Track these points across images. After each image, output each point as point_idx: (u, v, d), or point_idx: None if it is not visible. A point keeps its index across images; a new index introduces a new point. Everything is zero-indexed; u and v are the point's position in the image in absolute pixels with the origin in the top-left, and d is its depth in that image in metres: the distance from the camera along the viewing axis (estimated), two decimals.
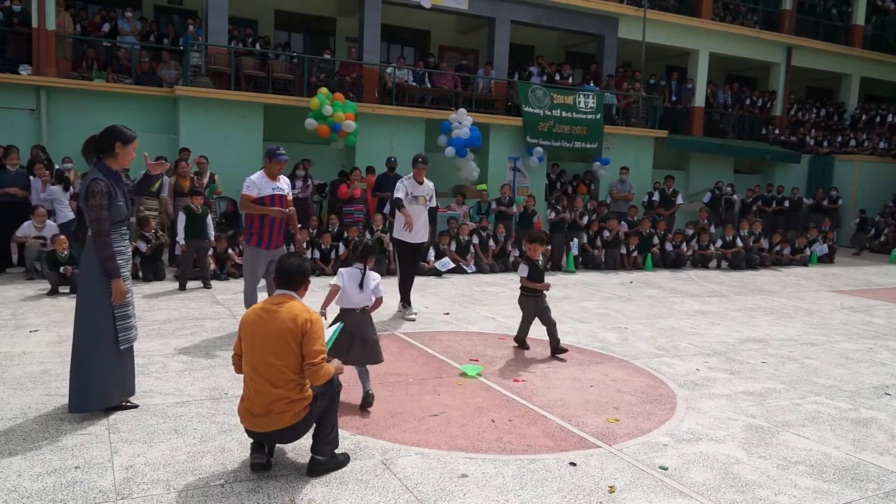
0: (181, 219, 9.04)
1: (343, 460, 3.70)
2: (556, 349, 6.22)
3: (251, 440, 3.63)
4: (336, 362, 3.70)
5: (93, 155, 4.30)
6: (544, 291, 6.34)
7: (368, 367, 4.71)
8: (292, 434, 3.55)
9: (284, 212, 6.34)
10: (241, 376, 3.61)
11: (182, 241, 8.97)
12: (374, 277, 4.74)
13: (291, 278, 3.61)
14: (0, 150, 10.17)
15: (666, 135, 17.98)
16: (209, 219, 9.25)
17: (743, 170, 20.35)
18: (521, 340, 6.53)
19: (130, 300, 4.37)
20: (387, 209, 11.50)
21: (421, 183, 7.70)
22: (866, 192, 20.01)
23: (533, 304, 6.35)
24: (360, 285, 4.66)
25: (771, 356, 6.59)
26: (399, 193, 7.66)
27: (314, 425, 3.60)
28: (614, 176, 16.11)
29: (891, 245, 17.72)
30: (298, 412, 3.47)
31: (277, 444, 3.77)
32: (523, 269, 6.34)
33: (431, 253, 11.10)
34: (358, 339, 4.60)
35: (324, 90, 13.04)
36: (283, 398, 3.43)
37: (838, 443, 4.39)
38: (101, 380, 4.20)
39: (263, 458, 3.57)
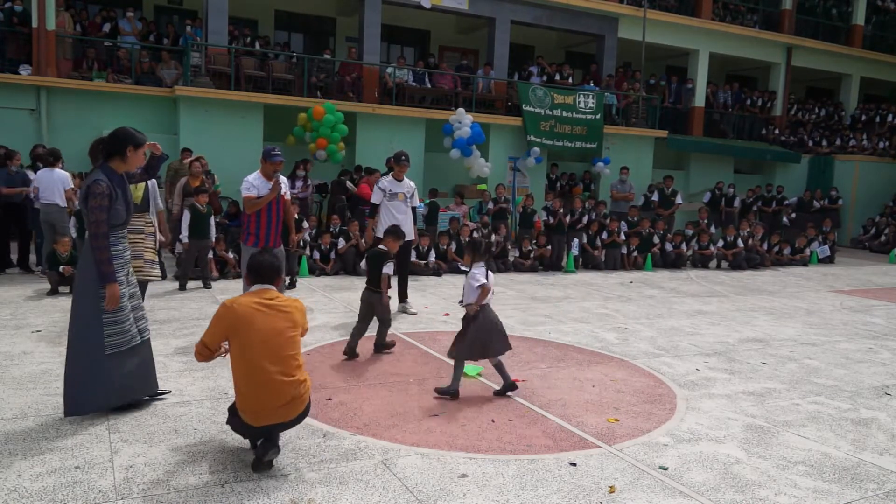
0: (186, 217, 8.99)
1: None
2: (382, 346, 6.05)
3: (253, 438, 3.69)
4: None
5: (100, 157, 4.23)
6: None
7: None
8: (303, 417, 3.71)
9: (278, 188, 6.36)
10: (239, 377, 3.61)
11: (185, 240, 8.93)
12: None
13: (266, 274, 3.73)
14: (3, 149, 10.18)
15: (666, 135, 17.99)
16: (212, 219, 9.23)
17: (743, 170, 20.36)
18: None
19: (127, 304, 4.26)
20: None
21: (401, 181, 7.75)
22: (866, 192, 20.01)
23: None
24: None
25: (771, 356, 6.59)
26: (376, 198, 7.75)
27: None
28: (614, 176, 16.12)
29: (891, 245, 17.73)
30: (307, 392, 3.69)
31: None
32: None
33: (432, 254, 11.10)
34: (496, 329, 4.95)
35: (303, 116, 13.17)
36: (299, 383, 3.61)
37: (838, 443, 4.39)
38: (90, 384, 4.12)
39: (278, 452, 3.63)
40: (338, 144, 13.36)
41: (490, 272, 5.00)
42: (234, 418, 3.70)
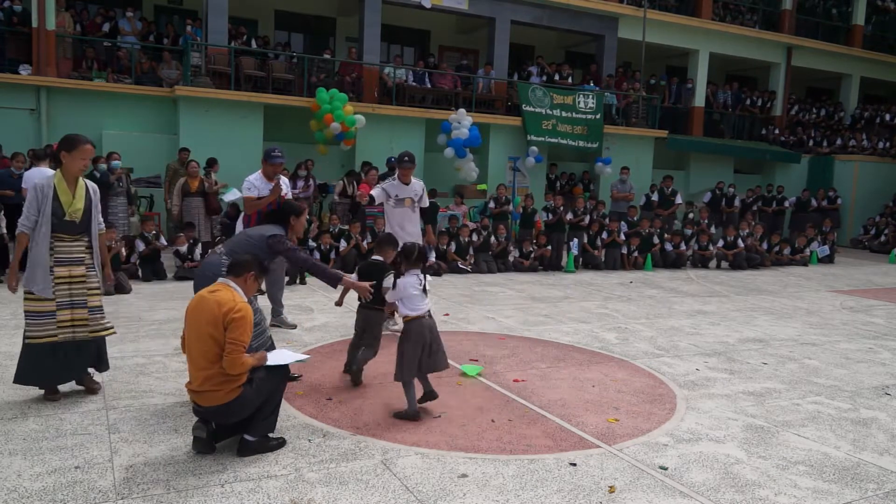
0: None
1: (276, 444, 3.86)
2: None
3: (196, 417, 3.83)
4: (258, 354, 3.87)
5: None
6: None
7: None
8: (229, 411, 3.69)
9: (278, 190, 6.37)
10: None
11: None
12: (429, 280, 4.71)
13: (231, 269, 3.95)
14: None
15: (666, 135, 17.98)
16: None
17: (743, 170, 20.35)
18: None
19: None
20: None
21: (407, 184, 6.99)
22: (866, 192, 20.01)
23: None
24: (424, 290, 4.53)
25: (771, 356, 6.59)
26: (375, 192, 7.01)
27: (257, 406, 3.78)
28: (614, 176, 16.12)
29: (891, 245, 17.73)
30: (232, 391, 3.66)
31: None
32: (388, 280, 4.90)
33: (432, 255, 11.09)
34: (434, 344, 4.50)
35: (314, 123, 13.34)
36: (215, 376, 3.64)
37: (838, 443, 4.39)
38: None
39: (203, 433, 3.72)
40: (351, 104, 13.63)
41: (419, 279, 4.54)
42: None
